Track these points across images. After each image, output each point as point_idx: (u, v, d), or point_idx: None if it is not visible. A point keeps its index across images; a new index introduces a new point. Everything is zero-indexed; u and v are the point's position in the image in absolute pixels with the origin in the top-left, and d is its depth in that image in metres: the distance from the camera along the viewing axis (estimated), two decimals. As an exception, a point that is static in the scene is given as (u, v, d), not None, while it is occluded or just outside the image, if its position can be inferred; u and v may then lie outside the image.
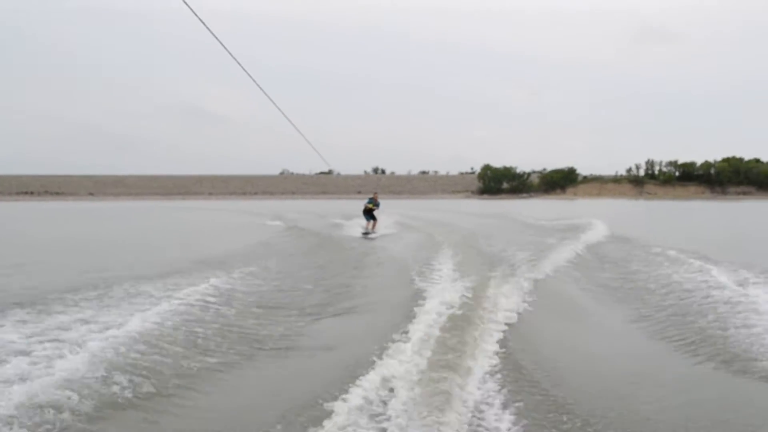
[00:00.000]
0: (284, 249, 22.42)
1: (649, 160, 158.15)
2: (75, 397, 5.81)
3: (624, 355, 8.30)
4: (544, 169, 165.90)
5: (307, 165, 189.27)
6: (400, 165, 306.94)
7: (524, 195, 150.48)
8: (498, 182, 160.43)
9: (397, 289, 12.87)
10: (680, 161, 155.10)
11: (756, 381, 6.80)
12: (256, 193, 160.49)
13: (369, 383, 6.03)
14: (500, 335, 8.39)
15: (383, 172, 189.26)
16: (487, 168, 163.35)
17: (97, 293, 11.66)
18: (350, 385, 6.05)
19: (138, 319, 8.78)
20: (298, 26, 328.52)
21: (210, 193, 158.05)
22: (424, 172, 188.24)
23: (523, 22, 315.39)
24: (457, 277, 13.57)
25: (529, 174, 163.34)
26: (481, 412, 5.54)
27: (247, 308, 10.79)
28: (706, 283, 12.35)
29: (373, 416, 5.25)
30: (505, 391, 6.17)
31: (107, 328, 8.35)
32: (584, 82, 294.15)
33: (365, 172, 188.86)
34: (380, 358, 6.93)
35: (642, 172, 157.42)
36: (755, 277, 13.10)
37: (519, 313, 10.05)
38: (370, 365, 6.67)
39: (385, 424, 5.08)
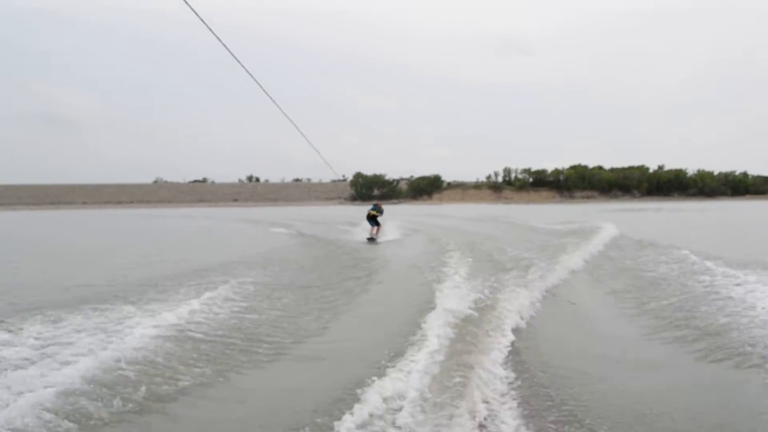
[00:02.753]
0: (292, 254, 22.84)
1: (506, 168, 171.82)
2: (72, 408, 5.63)
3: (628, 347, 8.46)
4: (411, 176, 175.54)
5: (180, 173, 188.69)
6: (274, 172, 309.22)
7: (394, 201, 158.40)
8: (369, 189, 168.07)
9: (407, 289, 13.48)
10: (533, 169, 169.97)
11: None
12: (131, 202, 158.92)
13: (377, 390, 5.88)
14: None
15: (258, 179, 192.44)
16: (358, 176, 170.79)
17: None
18: (359, 390, 6.00)
19: (132, 333, 8.39)
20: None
21: (84, 203, 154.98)
22: (297, 180, 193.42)
23: (391, 34, 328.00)
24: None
25: (398, 181, 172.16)
26: (491, 415, 5.50)
27: (249, 315, 10.41)
28: (711, 282, 12.56)
29: (382, 420, 5.22)
30: (514, 393, 6.14)
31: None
32: (448, 92, 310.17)
33: (240, 180, 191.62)
34: (386, 364, 6.90)
35: (500, 179, 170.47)
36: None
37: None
38: (374, 374, 6.52)
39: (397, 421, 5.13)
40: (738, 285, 12.43)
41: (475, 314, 9.24)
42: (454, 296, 10.64)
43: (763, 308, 10.09)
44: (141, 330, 8.51)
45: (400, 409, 5.42)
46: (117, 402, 6.00)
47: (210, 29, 8.97)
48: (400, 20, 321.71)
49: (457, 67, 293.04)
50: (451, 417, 5.17)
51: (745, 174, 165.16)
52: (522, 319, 9.94)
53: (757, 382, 6.61)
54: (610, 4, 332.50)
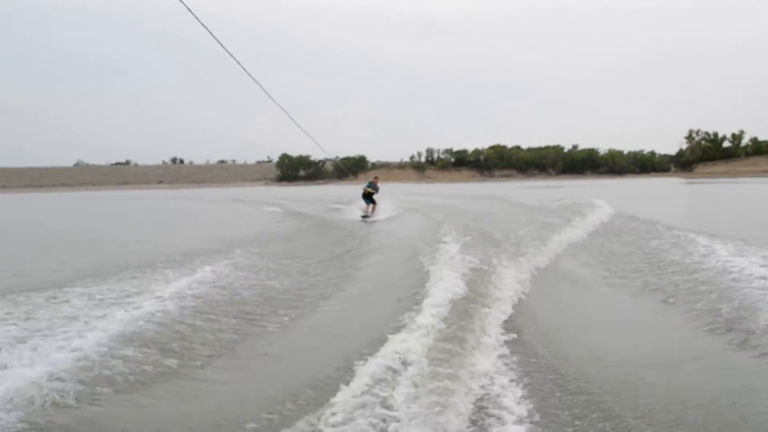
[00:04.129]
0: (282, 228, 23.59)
1: (428, 149, 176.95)
2: (52, 394, 5.38)
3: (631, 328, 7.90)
4: (337, 157, 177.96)
5: (103, 156, 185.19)
6: (198, 154, 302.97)
7: (320, 181, 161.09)
8: (295, 170, 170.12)
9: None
10: (455, 149, 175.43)
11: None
12: (54, 185, 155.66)
13: (373, 365, 5.71)
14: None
15: (182, 161, 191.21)
16: (284, 157, 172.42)
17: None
18: (354, 365, 5.84)
19: (113, 319, 7.88)
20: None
21: (4, 186, 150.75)
22: (222, 161, 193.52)
23: (317, 16, 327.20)
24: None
25: (324, 162, 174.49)
26: (488, 390, 5.36)
27: (236, 297, 9.87)
28: (710, 258, 11.74)
29: (378, 396, 5.06)
30: (512, 367, 5.97)
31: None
32: (370, 72, 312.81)
33: (163, 161, 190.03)
34: (380, 341, 6.56)
35: (423, 159, 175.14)
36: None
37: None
38: (372, 349, 6.33)
39: (391, 403, 4.94)
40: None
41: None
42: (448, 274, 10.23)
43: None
44: (123, 313, 8.09)
45: (394, 388, 5.22)
46: (104, 383, 5.77)
47: (199, 19, 8.82)
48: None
49: (380, 48, 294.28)
50: (448, 394, 4.98)
51: (652, 153, 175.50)
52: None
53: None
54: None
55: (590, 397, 5.28)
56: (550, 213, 24.60)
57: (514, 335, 6.99)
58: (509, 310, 8.19)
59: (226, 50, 9.80)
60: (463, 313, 7.48)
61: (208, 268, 11.84)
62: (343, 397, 5.05)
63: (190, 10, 8.71)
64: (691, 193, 53.69)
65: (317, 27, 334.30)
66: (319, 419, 4.79)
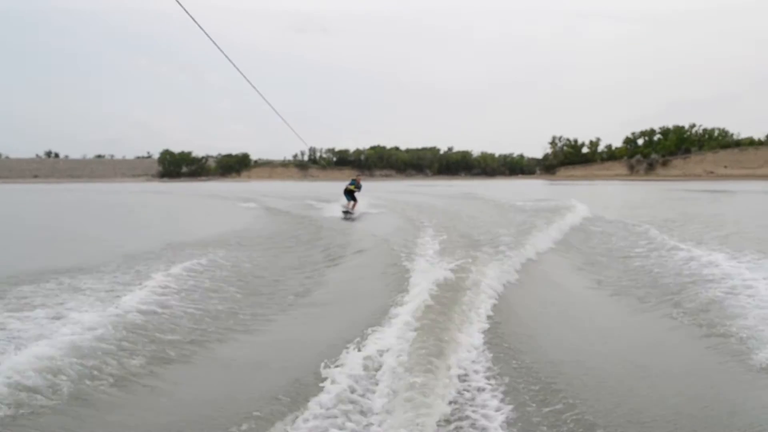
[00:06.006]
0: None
1: (311, 148, 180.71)
2: (38, 388, 5.24)
3: (607, 330, 7.85)
4: (219, 154, 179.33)
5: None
6: (72, 148, 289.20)
7: (203, 178, 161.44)
8: (177, 166, 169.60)
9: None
10: (337, 149, 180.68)
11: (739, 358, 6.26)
12: None
13: (348, 369, 5.55)
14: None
15: (57, 155, 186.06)
16: (166, 153, 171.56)
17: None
18: (332, 364, 5.68)
19: (96, 311, 7.76)
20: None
21: None
22: (100, 156, 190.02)
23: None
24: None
25: (206, 158, 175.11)
26: (466, 388, 5.33)
27: (221, 291, 9.80)
28: (688, 260, 11.78)
29: (356, 395, 5.03)
30: (490, 365, 5.91)
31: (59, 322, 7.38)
32: (248, 68, 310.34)
33: (37, 155, 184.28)
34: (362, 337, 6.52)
35: (306, 158, 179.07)
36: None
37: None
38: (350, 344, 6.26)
39: (367, 406, 4.90)
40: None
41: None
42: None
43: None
44: (97, 312, 7.78)
45: (370, 392, 5.20)
46: (93, 375, 5.73)
47: (194, 19, 8.13)
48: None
49: (258, 42, 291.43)
50: (425, 396, 4.93)
51: (521, 156, 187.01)
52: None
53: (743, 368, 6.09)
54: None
55: (569, 401, 5.19)
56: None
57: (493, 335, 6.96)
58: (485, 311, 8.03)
59: (220, 49, 9.12)
60: (439, 312, 7.26)
61: (176, 268, 11.10)
62: (317, 402, 4.94)
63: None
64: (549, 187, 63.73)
65: (186, 17, 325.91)
66: (293, 423, 4.73)
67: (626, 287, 10.23)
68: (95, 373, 5.87)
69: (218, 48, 9.00)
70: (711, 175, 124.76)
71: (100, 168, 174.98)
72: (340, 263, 13.14)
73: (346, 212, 26.87)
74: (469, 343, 6.52)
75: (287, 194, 50.42)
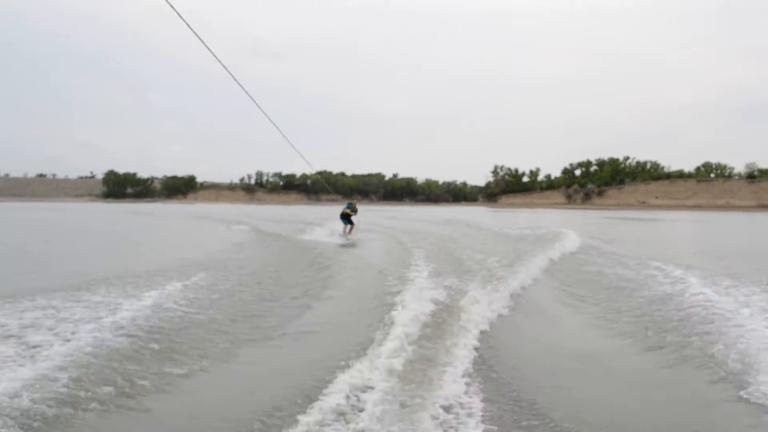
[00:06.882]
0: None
1: (258, 171, 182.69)
2: (36, 402, 5.15)
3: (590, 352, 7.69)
4: (165, 176, 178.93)
5: None
6: (11, 166, 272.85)
7: (149, 199, 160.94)
8: (122, 187, 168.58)
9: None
10: (284, 173, 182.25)
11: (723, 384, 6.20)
12: None
13: (341, 386, 5.55)
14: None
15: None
16: (111, 173, 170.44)
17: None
18: (323, 387, 5.62)
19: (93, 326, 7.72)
20: None
21: None
22: (42, 175, 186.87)
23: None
24: None
25: (152, 180, 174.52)
26: (454, 413, 5.24)
27: (219, 308, 9.75)
28: (672, 286, 11.87)
29: (345, 419, 4.94)
30: (477, 392, 5.81)
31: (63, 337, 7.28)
32: (195, 90, 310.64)
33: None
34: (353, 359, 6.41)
35: (253, 181, 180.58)
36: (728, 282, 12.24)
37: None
38: (340, 368, 6.15)
39: (358, 425, 4.80)
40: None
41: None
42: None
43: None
44: (91, 328, 7.65)
45: (362, 409, 5.14)
46: (86, 394, 5.58)
47: (192, 28, 8.11)
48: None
49: (208, 65, 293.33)
50: (413, 418, 4.92)
51: (464, 184, 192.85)
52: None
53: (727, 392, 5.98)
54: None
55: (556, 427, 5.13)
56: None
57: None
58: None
59: (218, 59, 9.21)
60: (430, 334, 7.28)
61: (165, 289, 10.76)
62: (305, 425, 4.83)
63: None
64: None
65: (133, 38, 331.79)
66: None
67: (605, 312, 10.34)
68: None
69: (226, 69, 9.45)
70: (643, 205, 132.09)
71: (43, 187, 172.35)
72: (324, 290, 12.28)
73: (342, 236, 26.89)
74: (455, 373, 6.33)
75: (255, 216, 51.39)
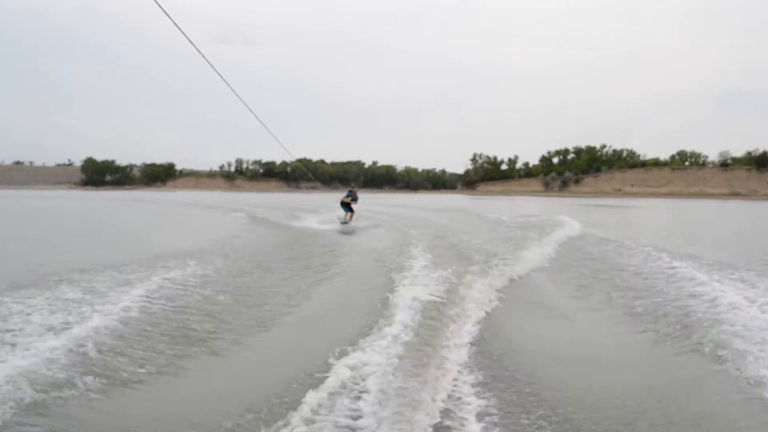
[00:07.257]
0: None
1: (238, 159, 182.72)
2: (33, 390, 5.24)
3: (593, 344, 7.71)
4: (144, 163, 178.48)
5: None
6: None
7: (128, 187, 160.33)
8: (101, 174, 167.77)
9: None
10: (264, 160, 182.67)
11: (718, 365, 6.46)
12: None
13: (340, 375, 5.60)
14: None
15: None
16: (89, 161, 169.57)
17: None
18: (321, 375, 5.70)
19: (95, 315, 7.77)
20: None
21: None
22: (19, 162, 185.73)
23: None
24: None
25: (131, 167, 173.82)
26: (454, 402, 5.35)
27: (213, 299, 9.68)
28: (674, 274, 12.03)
29: (343, 410, 4.96)
30: (478, 380, 5.91)
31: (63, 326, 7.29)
32: (171, 77, 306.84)
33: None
34: (350, 349, 6.44)
35: (233, 169, 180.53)
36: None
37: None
38: (337, 358, 6.21)
39: (356, 417, 4.84)
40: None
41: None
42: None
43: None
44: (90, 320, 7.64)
45: (360, 396, 5.20)
46: (79, 383, 5.63)
47: (178, 26, 8.04)
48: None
49: (181, 51, 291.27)
50: (413, 407, 4.97)
51: (443, 172, 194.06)
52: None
53: (728, 374, 6.21)
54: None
55: (554, 419, 5.15)
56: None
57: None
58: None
59: (204, 56, 9.08)
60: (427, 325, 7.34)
61: (157, 278, 10.78)
62: (301, 416, 4.86)
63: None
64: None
65: (108, 22, 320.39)
66: None
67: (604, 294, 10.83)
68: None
69: (201, 55, 9.21)
70: (619, 193, 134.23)
71: (20, 175, 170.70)
72: (325, 276, 12.54)
73: (343, 222, 27.56)
74: (455, 360, 6.44)
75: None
